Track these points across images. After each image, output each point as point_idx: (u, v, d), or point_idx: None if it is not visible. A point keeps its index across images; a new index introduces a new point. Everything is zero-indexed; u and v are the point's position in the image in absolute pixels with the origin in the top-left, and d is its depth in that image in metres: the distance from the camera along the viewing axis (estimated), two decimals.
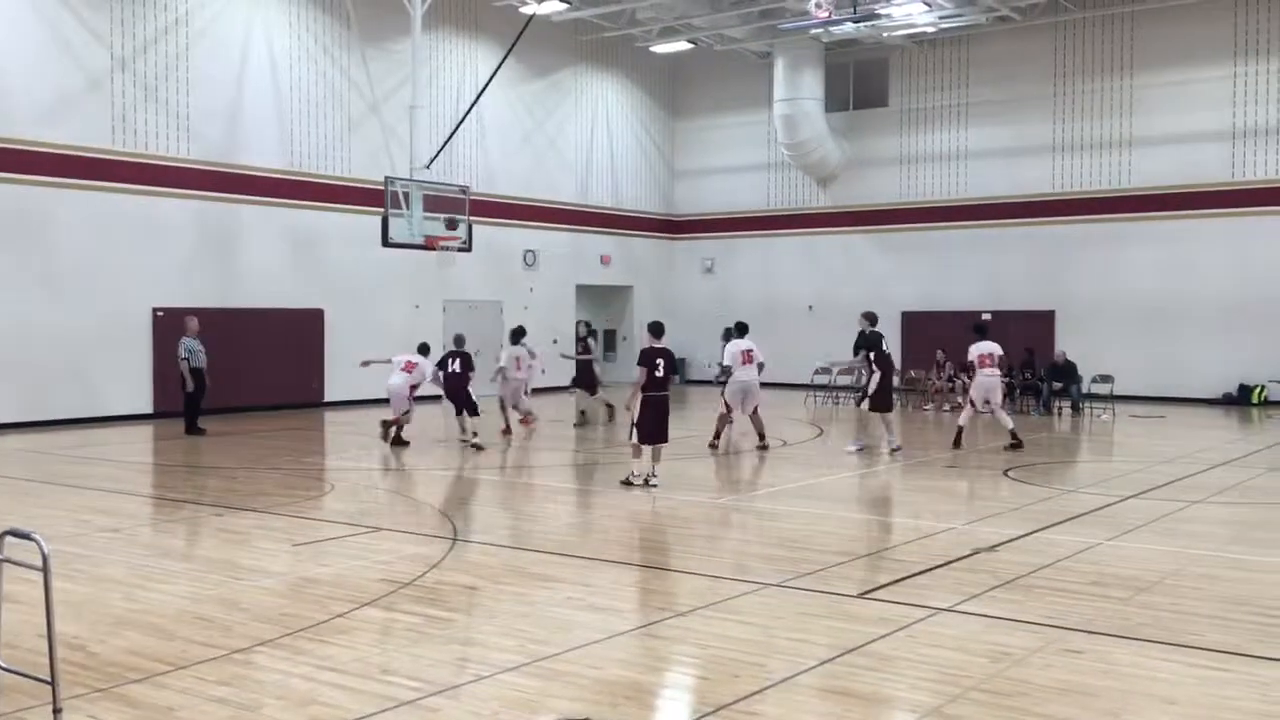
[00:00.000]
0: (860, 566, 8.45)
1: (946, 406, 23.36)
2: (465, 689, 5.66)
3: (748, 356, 16.01)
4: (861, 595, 7.54)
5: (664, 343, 12.76)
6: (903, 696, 5.60)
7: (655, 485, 12.33)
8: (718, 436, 16.58)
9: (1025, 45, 26.67)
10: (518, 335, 18.58)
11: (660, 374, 12.45)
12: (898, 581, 7.94)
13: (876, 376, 15.59)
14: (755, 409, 16.19)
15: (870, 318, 16.46)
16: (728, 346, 16.49)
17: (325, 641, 6.42)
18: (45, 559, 4.09)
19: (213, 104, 21.35)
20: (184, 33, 20.90)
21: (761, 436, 16.28)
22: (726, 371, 16.22)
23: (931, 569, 8.36)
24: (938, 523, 10.29)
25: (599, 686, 5.69)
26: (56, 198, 19.04)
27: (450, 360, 16.85)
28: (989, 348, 16.23)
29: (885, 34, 26.38)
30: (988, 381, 16.16)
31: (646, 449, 12.58)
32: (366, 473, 14.14)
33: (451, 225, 19.36)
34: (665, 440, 12.72)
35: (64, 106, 19.17)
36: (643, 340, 13.05)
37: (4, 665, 4.15)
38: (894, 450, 15.52)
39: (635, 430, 12.49)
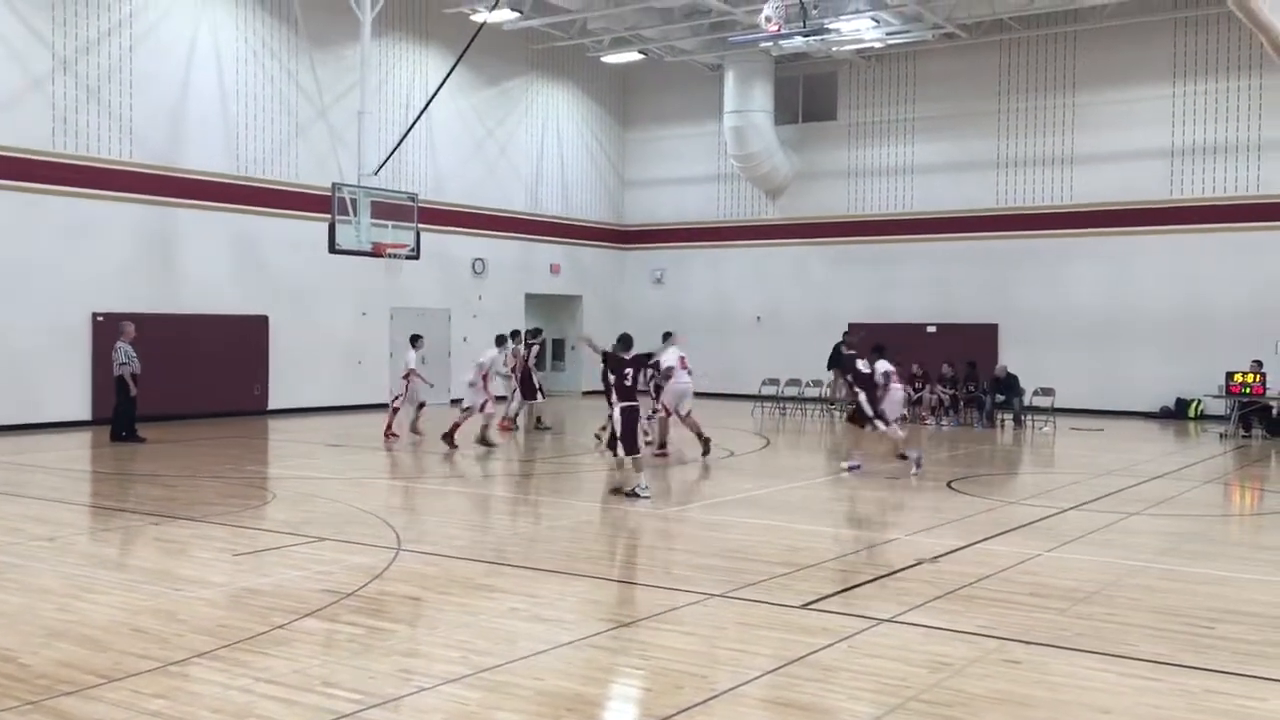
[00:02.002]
0: (804, 577, 8.50)
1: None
2: (407, 700, 5.61)
3: (684, 362, 16.55)
4: (805, 606, 7.58)
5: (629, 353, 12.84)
6: (844, 707, 5.64)
7: (639, 494, 12.26)
8: (664, 445, 16.60)
9: (971, 62, 27.07)
10: (503, 340, 19.01)
11: (630, 384, 12.49)
12: (841, 592, 8.00)
13: (862, 395, 15.39)
14: (689, 412, 16.60)
15: (850, 342, 16.55)
16: (665, 353, 16.71)
17: (264, 653, 6.34)
18: None
19: (156, 107, 21.05)
20: (128, 34, 20.60)
21: (700, 434, 16.49)
22: (665, 375, 16.40)
23: (874, 579, 8.43)
24: (881, 534, 10.38)
25: (542, 698, 5.67)
26: None
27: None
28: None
29: (834, 48, 26.64)
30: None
31: (630, 460, 12.47)
32: (309, 481, 13.98)
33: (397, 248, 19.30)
34: (637, 451, 12.52)
35: (3, 107, 18.81)
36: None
37: None
38: (853, 468, 15.43)
39: (620, 445, 12.35)
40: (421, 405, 18.40)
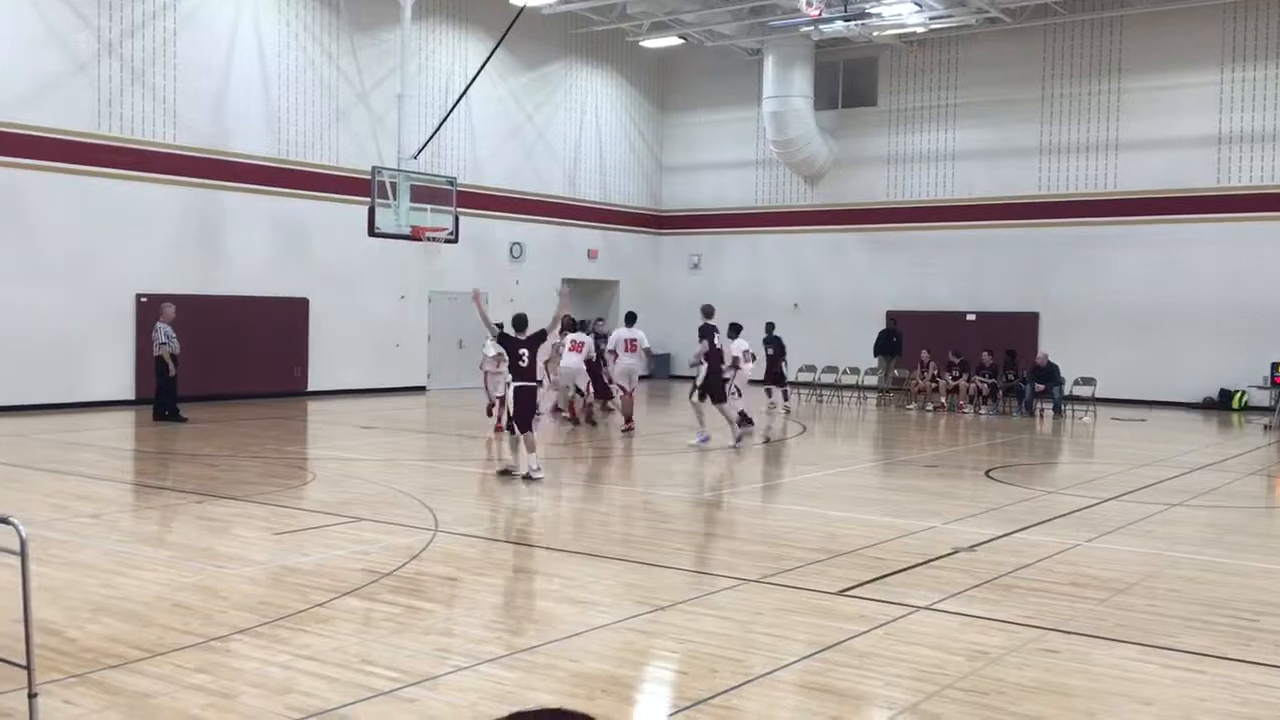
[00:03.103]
0: (840, 564, 8.48)
1: (930, 406, 23.45)
2: (444, 680, 5.66)
3: (630, 345, 17.99)
4: (841, 593, 7.56)
5: (528, 334, 12.78)
6: (879, 693, 5.63)
7: (532, 476, 12.27)
8: (630, 420, 17.83)
9: (1014, 47, 26.75)
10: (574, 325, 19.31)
11: (525, 364, 12.50)
12: (877, 579, 7.97)
13: (704, 369, 15.93)
14: (631, 392, 17.97)
15: (707, 311, 16.51)
16: (614, 333, 18.57)
17: (304, 630, 6.41)
18: (23, 543, 4.07)
19: (200, 89, 21.23)
20: (172, 17, 20.78)
21: (628, 419, 17.79)
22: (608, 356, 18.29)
23: (911, 567, 8.39)
24: (918, 522, 10.33)
25: (578, 679, 5.70)
26: (39, 181, 18.92)
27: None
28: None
29: (875, 33, 26.40)
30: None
31: (521, 438, 12.47)
32: (347, 462, 14.11)
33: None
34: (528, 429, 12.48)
35: (49, 89, 19.04)
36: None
37: None
38: (702, 441, 15.82)
39: (515, 424, 12.40)
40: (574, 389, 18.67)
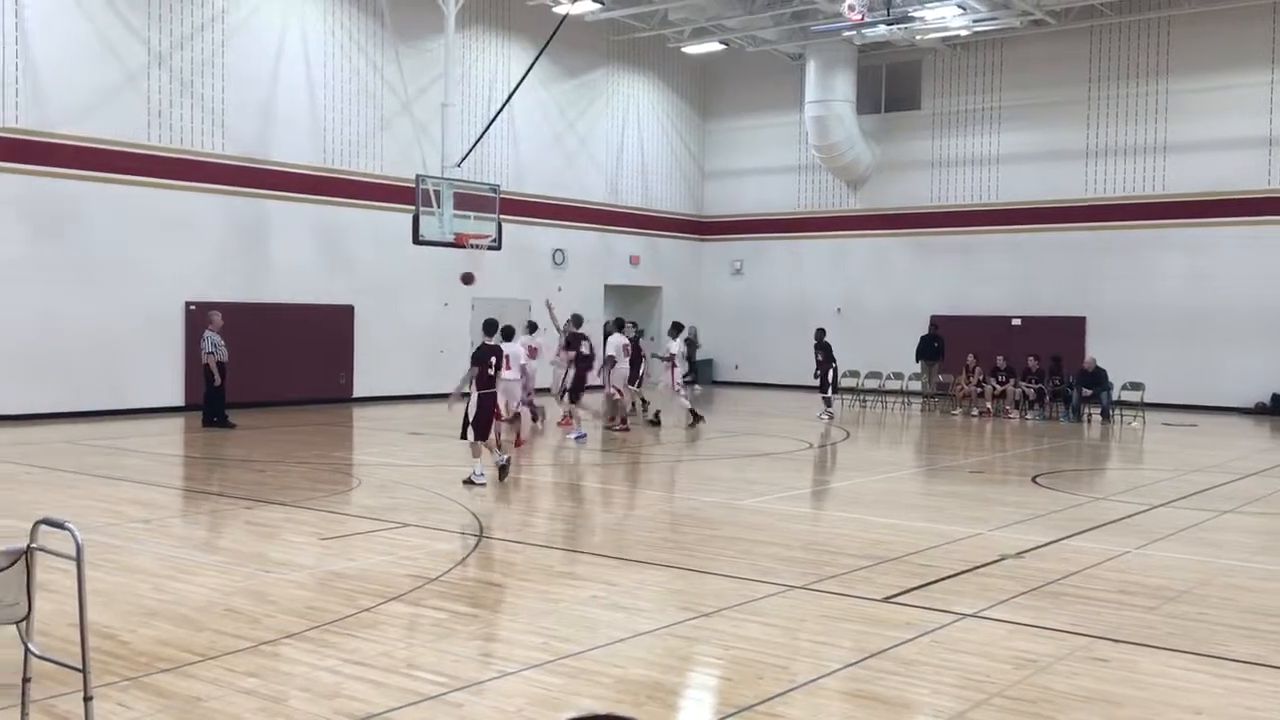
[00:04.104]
0: (885, 571, 8.43)
1: (975, 411, 23.25)
2: (490, 685, 5.70)
3: (532, 353, 17.80)
4: (886, 599, 7.52)
5: (496, 340, 12.98)
6: (926, 701, 5.59)
7: (484, 483, 12.35)
8: (624, 421, 18.70)
9: (1060, 49, 26.49)
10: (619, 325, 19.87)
11: (492, 372, 12.53)
12: (923, 586, 7.92)
13: (573, 373, 17.90)
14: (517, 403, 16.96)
15: (576, 320, 18.62)
16: (611, 339, 19.15)
17: (352, 635, 6.48)
18: (79, 548, 4.14)
19: (247, 99, 21.53)
20: (220, 29, 21.09)
21: (624, 420, 18.70)
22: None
23: (957, 574, 8.33)
24: (963, 528, 10.25)
25: (622, 685, 5.71)
26: (92, 191, 19.26)
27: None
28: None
29: (918, 36, 26.27)
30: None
31: (482, 444, 12.55)
32: (392, 468, 14.23)
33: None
34: (484, 437, 12.59)
35: (100, 101, 19.38)
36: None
37: (38, 652, 4.22)
38: (579, 438, 17.19)
39: (471, 429, 12.43)
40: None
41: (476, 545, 9.23)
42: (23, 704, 4.35)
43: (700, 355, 31.84)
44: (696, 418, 19.41)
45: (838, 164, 29.05)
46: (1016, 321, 26.74)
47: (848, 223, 29.90)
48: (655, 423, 19.49)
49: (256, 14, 21.68)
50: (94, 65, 19.27)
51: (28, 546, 4.03)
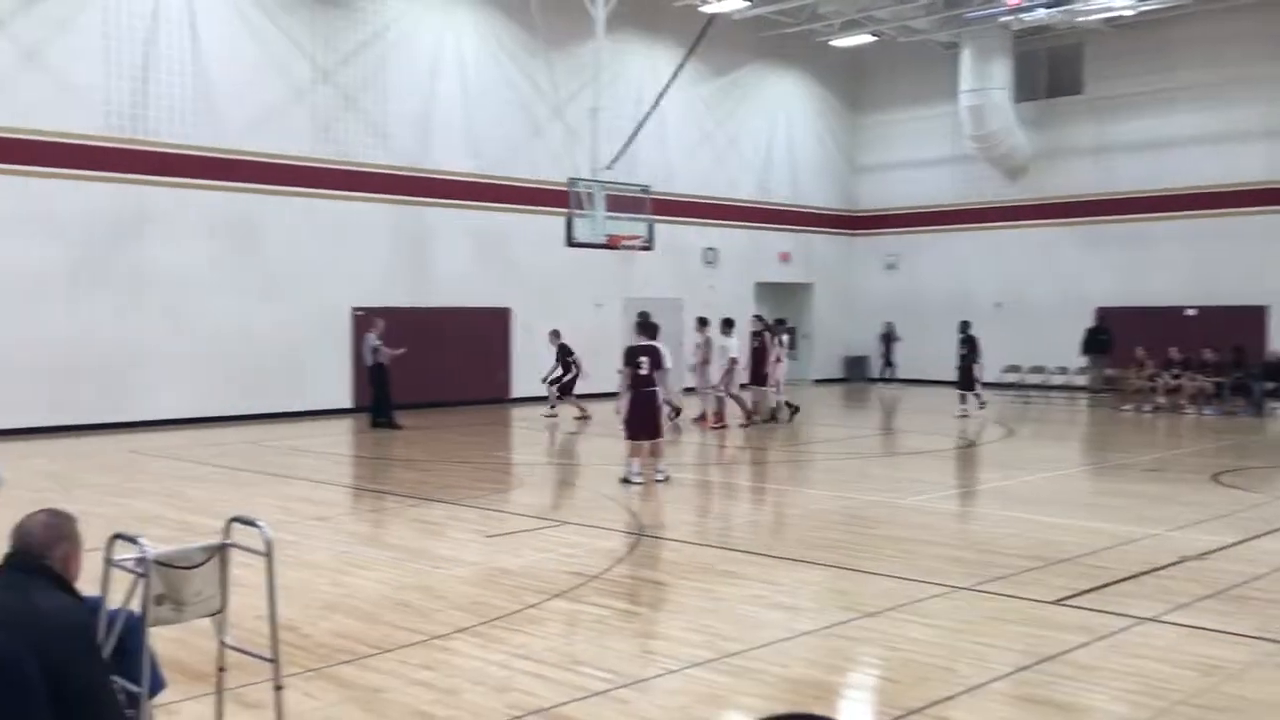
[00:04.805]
0: (1055, 572, 8.15)
1: (1147, 407, 22.25)
2: (654, 682, 5.75)
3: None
4: (1058, 602, 7.28)
5: (646, 340, 12.83)
6: (1103, 708, 5.39)
7: (658, 480, 12.32)
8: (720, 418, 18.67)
9: (1234, 26, 25.10)
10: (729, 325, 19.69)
11: (644, 371, 12.45)
12: (1097, 589, 7.63)
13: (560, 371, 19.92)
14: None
15: (555, 334, 20.65)
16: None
17: (519, 631, 6.63)
18: (269, 545, 4.36)
19: (406, 111, 22.23)
20: (381, 44, 21.84)
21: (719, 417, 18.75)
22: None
23: (1133, 576, 8.00)
24: (1139, 528, 9.83)
25: (787, 685, 5.68)
26: (265, 204, 20.20)
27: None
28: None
29: (1079, 19, 25.29)
30: None
31: (643, 445, 12.52)
32: (551, 467, 14.49)
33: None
34: (657, 436, 12.60)
35: (271, 117, 20.31)
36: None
37: (232, 644, 4.46)
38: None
39: (625, 427, 12.50)
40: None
41: (636, 543, 9.32)
42: (218, 693, 4.59)
43: (853, 352, 31.41)
44: (784, 417, 19.38)
45: (995, 154, 28.22)
46: (1191, 312, 25.48)
47: (1006, 214, 29.00)
48: (771, 420, 19.41)
49: (414, 29, 22.38)
50: (264, 84, 20.21)
51: (222, 543, 4.26)
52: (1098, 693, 5.57)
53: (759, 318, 21.06)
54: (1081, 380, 24.76)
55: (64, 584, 3.35)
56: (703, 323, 20.32)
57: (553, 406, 20.64)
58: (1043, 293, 28.04)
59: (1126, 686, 5.63)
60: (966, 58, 27.45)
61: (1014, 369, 24.96)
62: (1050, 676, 5.79)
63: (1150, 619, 6.83)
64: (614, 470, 13.08)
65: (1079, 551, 8.85)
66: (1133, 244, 26.75)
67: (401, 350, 18.85)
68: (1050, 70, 28.37)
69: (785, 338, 21.07)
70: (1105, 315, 25.58)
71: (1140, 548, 9.04)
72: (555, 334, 20.97)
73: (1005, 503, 11.43)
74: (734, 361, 19.06)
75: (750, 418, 18.93)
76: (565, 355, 20.73)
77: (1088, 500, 12.22)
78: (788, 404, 20.08)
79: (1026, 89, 28.26)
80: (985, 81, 27.21)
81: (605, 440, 17.27)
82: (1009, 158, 28.30)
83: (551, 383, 20.75)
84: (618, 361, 19.39)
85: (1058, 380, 24.50)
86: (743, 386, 19.63)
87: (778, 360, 19.94)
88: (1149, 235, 26.52)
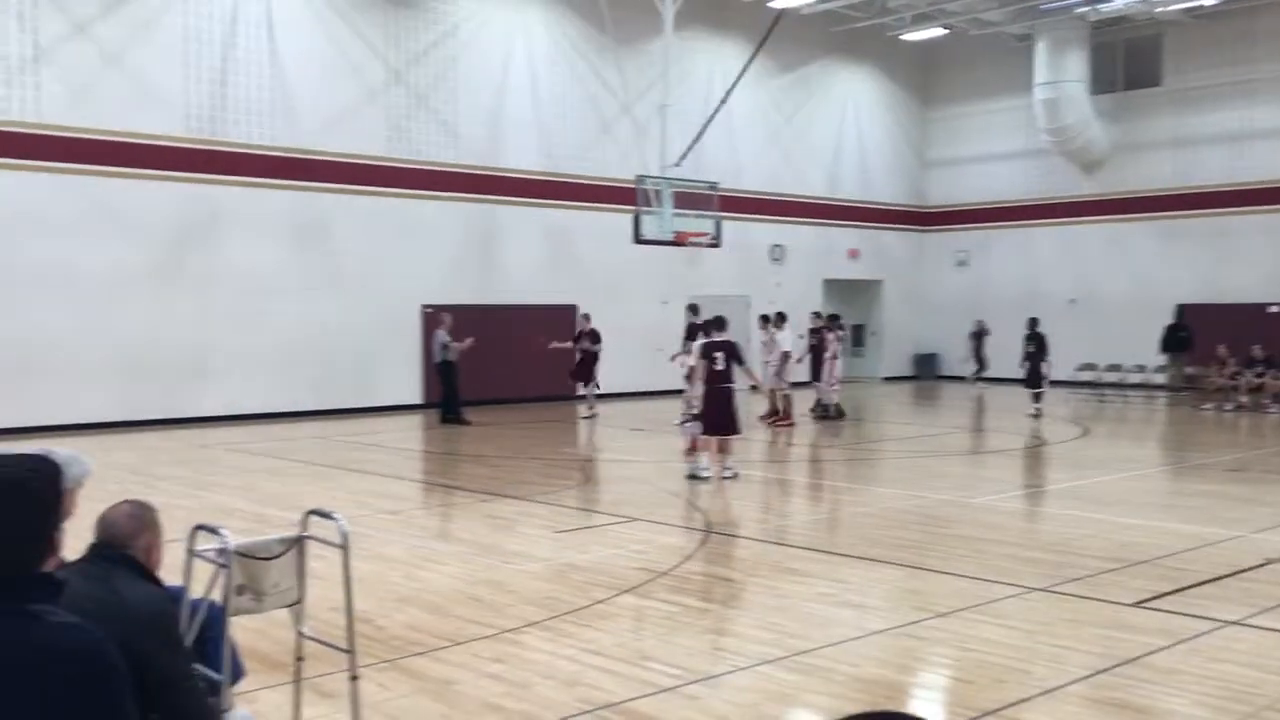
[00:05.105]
0: (1135, 574, 7.98)
1: (1228, 406, 21.69)
2: (724, 679, 5.73)
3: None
4: (1137, 604, 7.12)
5: (719, 335, 12.84)
6: (1186, 712, 5.27)
7: (725, 477, 12.31)
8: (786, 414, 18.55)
9: None
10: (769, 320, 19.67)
11: (720, 367, 12.43)
12: (1177, 591, 7.46)
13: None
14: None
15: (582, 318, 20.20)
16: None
17: (588, 626, 6.65)
18: (345, 538, 4.43)
19: (477, 110, 22.43)
20: (452, 44, 22.05)
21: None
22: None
23: (1216, 579, 7.80)
24: (1221, 530, 9.59)
25: (859, 684, 5.64)
26: (338, 203, 20.52)
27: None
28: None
29: (1158, 9, 24.73)
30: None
31: (712, 440, 12.48)
32: (618, 464, 14.52)
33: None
34: (734, 432, 12.57)
35: (345, 118, 20.62)
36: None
37: (309, 634, 4.53)
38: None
39: (700, 423, 12.50)
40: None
41: (704, 540, 9.30)
42: (296, 682, 4.68)
43: (923, 350, 31.05)
44: (833, 414, 19.36)
45: (1070, 147, 27.70)
46: (1274, 309, 24.79)
47: (1081, 209, 28.45)
48: (826, 416, 19.25)
49: (485, 28, 22.56)
50: (339, 84, 20.52)
51: (300, 535, 4.33)
52: (1178, 697, 5.45)
53: (817, 314, 20.88)
54: (1160, 378, 24.21)
55: (147, 573, 3.42)
56: (765, 320, 20.23)
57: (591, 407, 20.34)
58: (1118, 289, 27.47)
59: (1208, 691, 5.50)
60: (1041, 50, 26.97)
61: (1089, 367, 24.49)
62: (1129, 680, 5.67)
63: (1234, 622, 6.66)
64: (682, 467, 13.07)
65: (1158, 553, 8.66)
66: (1213, 239, 26.09)
67: (470, 341, 18.91)
68: (1128, 62, 27.76)
69: (841, 333, 20.84)
70: (1184, 312, 24.99)
71: (1222, 549, 8.82)
72: (586, 317, 20.71)
73: (1081, 503, 11.22)
74: (786, 356, 18.91)
75: (780, 416, 18.67)
76: (593, 340, 20.38)
77: (1167, 501, 11.95)
78: (837, 405, 19.87)
79: (1103, 81, 27.68)
80: (1060, 74, 26.72)
81: (672, 437, 17.27)
82: (1085, 151, 27.76)
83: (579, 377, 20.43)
84: (683, 357, 19.56)
85: (1134, 379, 23.98)
86: (798, 384, 19.52)
87: (834, 357, 19.73)
88: (1230, 230, 25.85)
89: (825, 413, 19.62)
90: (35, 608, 2.44)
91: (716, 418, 12.50)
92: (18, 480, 2.46)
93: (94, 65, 17.87)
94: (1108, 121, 27.63)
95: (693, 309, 18.72)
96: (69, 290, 17.56)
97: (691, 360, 13.55)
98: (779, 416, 18.66)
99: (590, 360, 20.26)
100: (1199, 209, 26.37)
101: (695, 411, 12.74)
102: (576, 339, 20.50)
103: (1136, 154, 27.41)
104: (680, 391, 19.81)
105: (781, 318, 19.55)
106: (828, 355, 19.58)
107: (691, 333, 17.62)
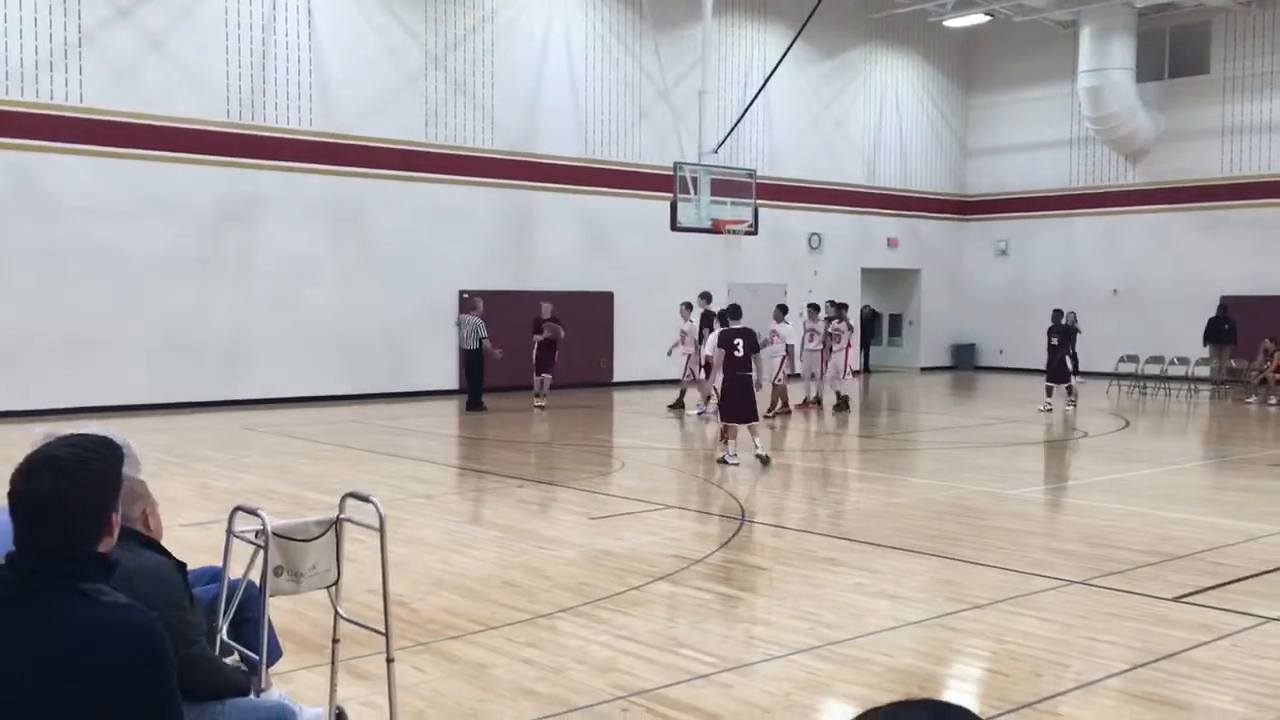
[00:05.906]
0: (1175, 568, 7.89)
1: (1273, 399, 21.37)
2: (757, 667, 5.72)
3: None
4: (1177, 599, 7.04)
5: (737, 324, 13.03)
6: (1226, 709, 5.20)
7: (758, 454, 12.55)
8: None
9: None
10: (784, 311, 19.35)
11: (740, 354, 12.63)
12: (1219, 586, 7.36)
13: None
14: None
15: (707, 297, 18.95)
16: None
17: (622, 612, 6.66)
18: (382, 521, 4.45)
19: (515, 96, 22.43)
20: (490, 29, 22.06)
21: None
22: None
23: (1259, 574, 7.69)
24: (1265, 525, 9.45)
25: (894, 675, 5.61)
26: (376, 188, 20.61)
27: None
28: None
29: None
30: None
31: (738, 428, 12.68)
32: (653, 451, 14.52)
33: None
34: (754, 419, 12.76)
35: (384, 103, 20.69)
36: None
37: (346, 616, 4.56)
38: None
39: (719, 410, 12.79)
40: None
41: (738, 529, 9.29)
42: (332, 663, 4.71)
43: (961, 340, 30.79)
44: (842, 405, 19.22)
45: (1115, 136, 27.32)
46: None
47: (1125, 198, 28.07)
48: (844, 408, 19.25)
49: (523, 13, 22.55)
50: (377, 69, 20.59)
51: (337, 517, 4.35)
52: (1218, 692, 5.38)
53: (831, 303, 20.67)
54: (1203, 371, 23.87)
55: (150, 541, 3.44)
56: (814, 309, 19.95)
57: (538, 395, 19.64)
58: (1162, 280, 27.11)
59: (1249, 687, 5.42)
60: (1086, 37, 26.60)
61: (1131, 359, 24.18)
62: (1168, 675, 5.60)
63: (1276, 618, 6.56)
64: (715, 455, 13.05)
65: (1199, 547, 8.55)
66: (1260, 230, 25.67)
67: (499, 352, 18.58)
68: (1174, 49, 27.33)
69: (851, 323, 20.55)
70: (1229, 304, 24.61)
71: (1265, 545, 8.69)
72: (547, 306, 19.76)
73: (1120, 496, 11.09)
74: (790, 349, 18.66)
75: (781, 407, 18.45)
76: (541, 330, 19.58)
77: (1209, 495, 11.80)
78: (841, 395, 19.64)
79: (1149, 69, 27.27)
80: (1105, 61, 26.34)
81: (700, 427, 17.25)
82: (1130, 140, 27.37)
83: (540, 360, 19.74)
84: (681, 348, 19.57)
85: (1177, 371, 23.66)
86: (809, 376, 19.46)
87: (848, 346, 19.58)
88: (1276, 221, 25.42)
89: (844, 404, 19.46)
90: (89, 586, 2.47)
91: (737, 405, 12.58)
92: (80, 460, 2.49)
93: (136, 50, 18.03)
94: (1153, 110, 27.22)
95: (705, 296, 18.69)
96: (112, 273, 17.76)
97: (708, 349, 13.61)
98: (780, 407, 18.46)
99: (549, 348, 19.70)
100: (1245, 199, 25.95)
101: (711, 399, 12.95)
102: (538, 328, 19.62)
103: (1182, 143, 26.99)
104: (677, 381, 19.90)
105: (783, 310, 19.27)
106: (841, 345, 19.40)
107: (708, 320, 17.58)
